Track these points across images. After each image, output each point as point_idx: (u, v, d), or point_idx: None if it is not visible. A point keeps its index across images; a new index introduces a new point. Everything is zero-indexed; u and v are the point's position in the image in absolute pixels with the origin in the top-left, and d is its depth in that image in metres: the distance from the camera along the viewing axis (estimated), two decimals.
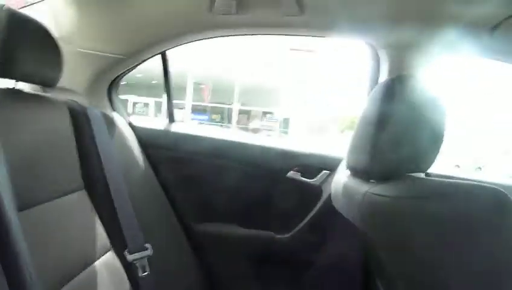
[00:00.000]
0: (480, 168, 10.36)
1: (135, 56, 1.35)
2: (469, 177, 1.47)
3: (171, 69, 1.51)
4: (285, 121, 15.49)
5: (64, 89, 1.18)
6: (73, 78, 1.28)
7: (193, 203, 1.49)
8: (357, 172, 1.01)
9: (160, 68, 1.52)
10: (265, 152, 1.51)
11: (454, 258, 0.72)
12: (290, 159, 1.48)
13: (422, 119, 0.85)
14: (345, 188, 1.05)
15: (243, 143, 1.54)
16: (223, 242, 1.49)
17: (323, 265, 1.41)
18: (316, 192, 1.45)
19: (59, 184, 0.91)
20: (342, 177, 1.12)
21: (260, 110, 15.94)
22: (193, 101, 14.75)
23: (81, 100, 1.16)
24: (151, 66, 1.49)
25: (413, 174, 0.86)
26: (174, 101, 1.59)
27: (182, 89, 14.24)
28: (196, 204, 1.49)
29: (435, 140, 0.85)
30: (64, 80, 0.99)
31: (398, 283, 0.89)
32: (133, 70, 1.44)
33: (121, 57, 1.33)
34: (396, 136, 0.85)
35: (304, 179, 1.46)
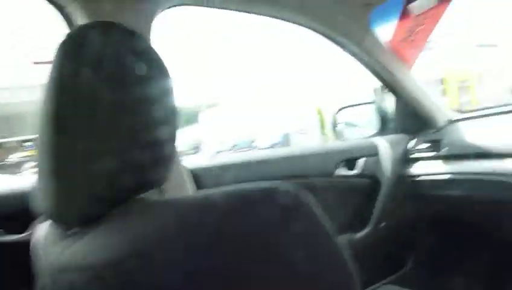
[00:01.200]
0: (253, 141, 11.73)
1: None
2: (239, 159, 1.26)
3: None
4: None
5: None
6: None
7: None
8: (50, 216, 0.54)
9: None
10: None
11: None
12: None
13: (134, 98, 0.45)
14: (43, 247, 0.57)
15: None
16: None
17: None
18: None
19: None
20: (42, 227, 0.63)
21: (17, 139, 13.55)
22: None
23: None
24: None
25: (144, 195, 0.47)
26: None
27: None
28: None
29: (168, 124, 0.48)
30: None
31: None
32: None
33: None
34: (92, 139, 0.45)
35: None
